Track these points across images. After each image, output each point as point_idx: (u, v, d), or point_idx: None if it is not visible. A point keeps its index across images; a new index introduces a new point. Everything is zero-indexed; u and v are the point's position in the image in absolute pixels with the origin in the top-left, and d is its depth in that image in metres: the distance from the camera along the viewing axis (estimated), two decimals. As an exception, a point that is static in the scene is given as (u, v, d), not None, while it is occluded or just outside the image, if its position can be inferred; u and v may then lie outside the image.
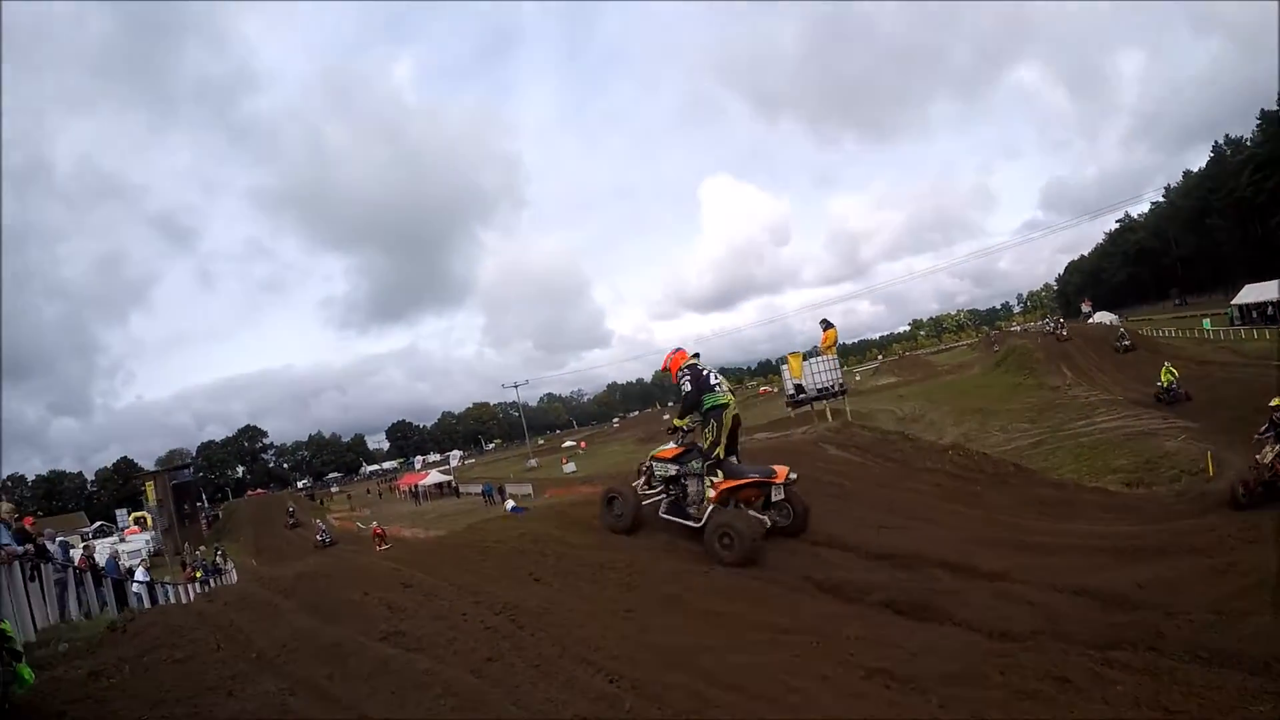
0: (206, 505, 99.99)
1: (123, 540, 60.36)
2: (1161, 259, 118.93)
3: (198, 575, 39.56)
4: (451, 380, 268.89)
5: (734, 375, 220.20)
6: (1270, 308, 68.18)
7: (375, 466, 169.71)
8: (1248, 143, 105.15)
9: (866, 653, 6.75)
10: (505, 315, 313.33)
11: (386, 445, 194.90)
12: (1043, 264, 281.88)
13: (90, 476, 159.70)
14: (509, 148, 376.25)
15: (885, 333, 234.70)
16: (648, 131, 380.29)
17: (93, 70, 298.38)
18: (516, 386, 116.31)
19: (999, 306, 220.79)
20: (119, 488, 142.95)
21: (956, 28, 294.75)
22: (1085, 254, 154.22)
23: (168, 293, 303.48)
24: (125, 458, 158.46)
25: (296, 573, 11.75)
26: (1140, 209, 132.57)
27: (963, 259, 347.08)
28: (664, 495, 12.22)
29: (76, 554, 19.89)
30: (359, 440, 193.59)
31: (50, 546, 16.04)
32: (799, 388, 26.88)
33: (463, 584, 9.39)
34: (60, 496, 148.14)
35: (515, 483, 75.52)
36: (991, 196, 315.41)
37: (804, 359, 27.07)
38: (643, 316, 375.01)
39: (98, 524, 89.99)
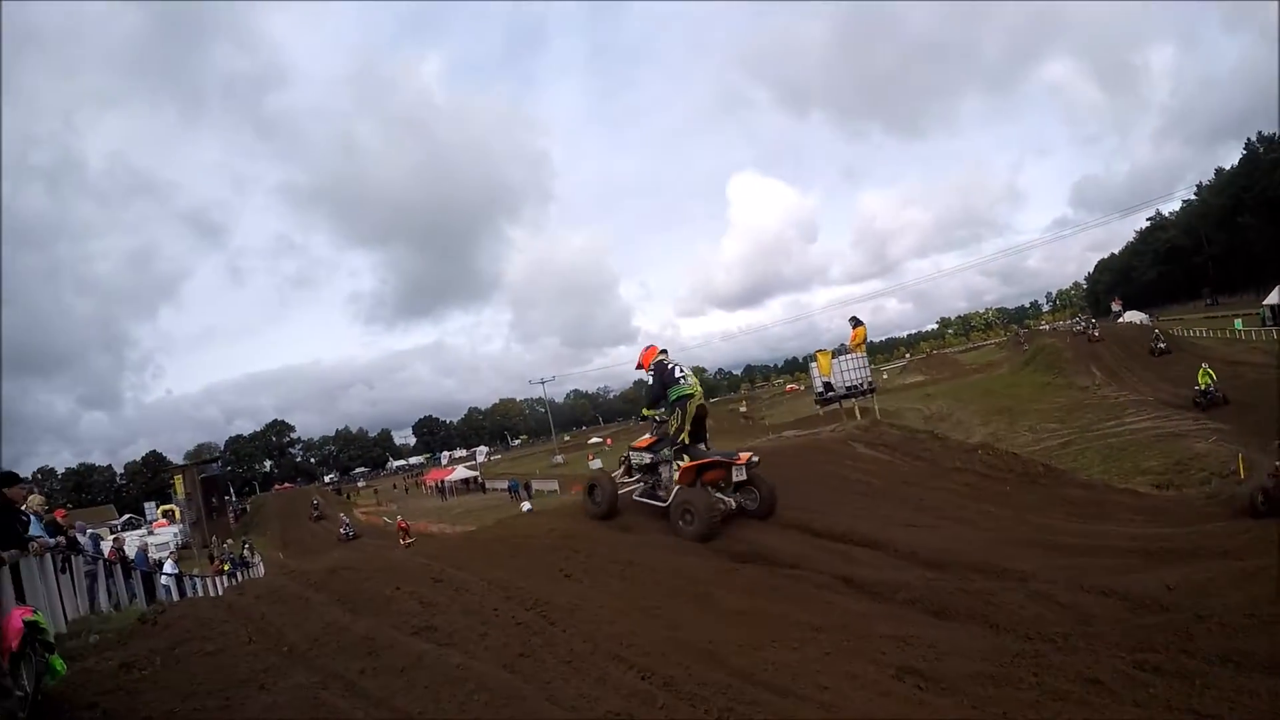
0: (234, 499, 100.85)
1: (151, 533, 60.91)
2: (1193, 258, 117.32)
3: (225, 568, 39.81)
4: (478, 376, 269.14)
5: (761, 373, 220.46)
6: (1304, 308, 67.38)
7: (402, 462, 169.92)
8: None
9: (897, 652, 6.73)
10: (532, 311, 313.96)
11: (413, 440, 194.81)
12: (1072, 262, 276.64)
13: (119, 470, 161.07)
14: (536, 144, 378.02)
15: (913, 331, 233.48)
16: (675, 127, 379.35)
17: (123, 68, 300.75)
18: (543, 382, 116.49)
19: (1028, 305, 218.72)
20: (147, 481, 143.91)
21: (986, 22, 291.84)
22: (1115, 252, 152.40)
23: (197, 288, 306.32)
24: (154, 451, 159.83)
25: (327, 567, 11.79)
26: (1171, 207, 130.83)
27: (992, 257, 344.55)
28: (641, 482, 13.42)
29: (106, 546, 20.00)
30: (386, 435, 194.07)
31: (81, 539, 16.14)
32: (828, 385, 26.77)
33: (493, 579, 9.39)
34: (89, 489, 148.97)
35: (541, 478, 75.74)
36: (1021, 194, 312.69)
37: (833, 357, 26.97)
38: (670, 313, 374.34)
39: (126, 516, 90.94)
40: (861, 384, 26.31)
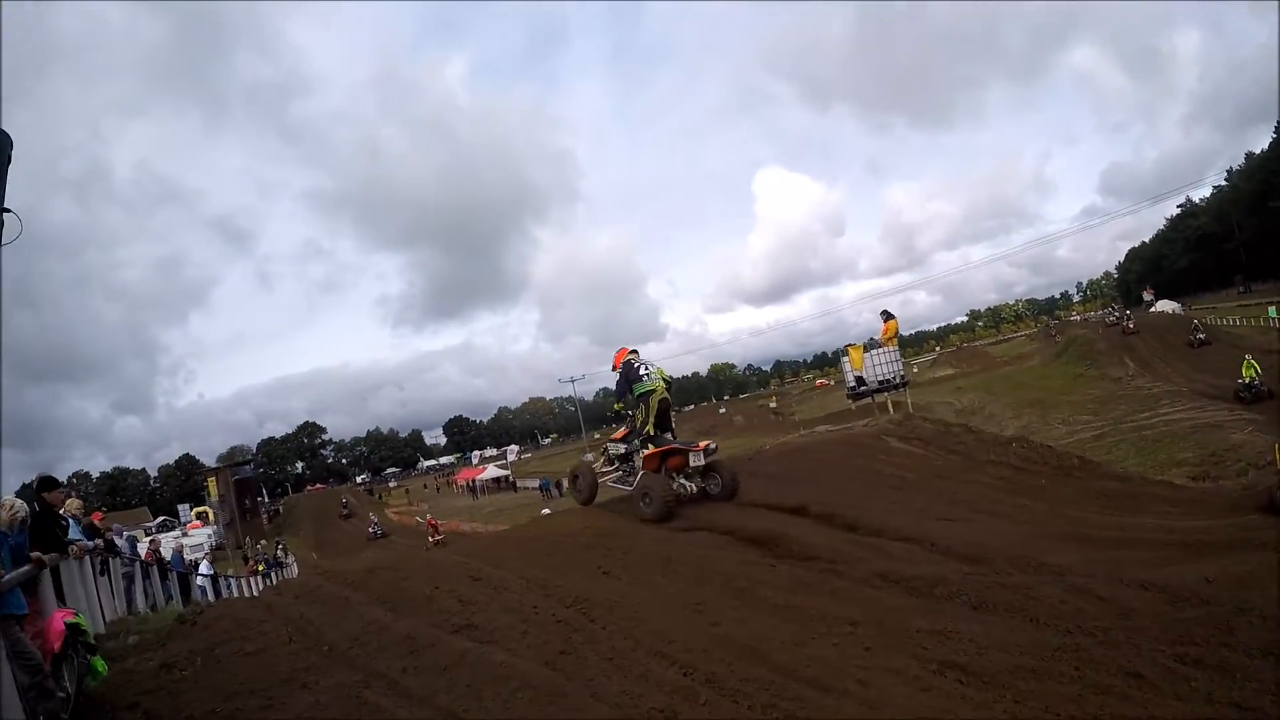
0: (267, 500, 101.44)
1: (185, 534, 61.31)
2: (1224, 244, 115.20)
3: (260, 568, 40.04)
4: (507, 376, 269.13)
5: (790, 368, 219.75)
6: (1339, 295, 66.42)
7: (432, 461, 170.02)
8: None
9: (937, 647, 6.73)
10: (560, 311, 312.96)
11: (443, 440, 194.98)
12: (1102, 251, 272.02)
13: (153, 473, 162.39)
14: (561, 143, 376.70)
15: (942, 324, 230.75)
16: (699, 123, 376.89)
17: (147, 77, 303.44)
18: (573, 381, 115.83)
19: (1058, 296, 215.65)
20: (181, 483, 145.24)
21: (1009, 9, 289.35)
22: (1146, 240, 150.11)
23: (226, 294, 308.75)
24: (187, 454, 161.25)
25: (365, 567, 11.86)
26: (1202, 193, 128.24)
27: (1021, 247, 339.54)
28: (619, 470, 14.79)
29: (143, 548, 20.12)
30: (416, 436, 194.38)
31: (118, 541, 16.24)
32: (860, 380, 26.65)
33: (531, 578, 9.46)
34: (124, 492, 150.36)
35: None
36: (1049, 183, 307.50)
37: (864, 351, 26.86)
38: (697, 310, 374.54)
39: (161, 519, 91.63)
40: (894, 378, 26.17)
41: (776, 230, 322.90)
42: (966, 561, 9.46)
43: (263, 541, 63.72)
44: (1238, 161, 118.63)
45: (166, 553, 22.49)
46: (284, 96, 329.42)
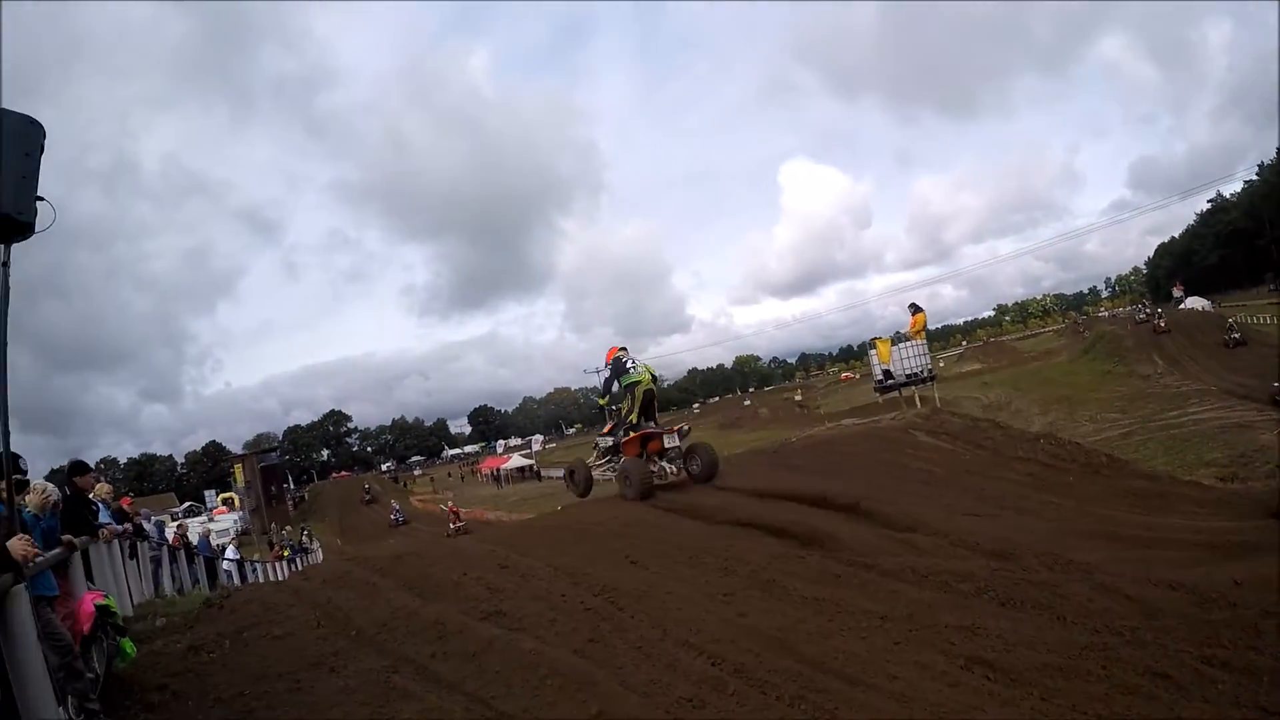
0: (292, 487, 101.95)
1: (211, 520, 61.65)
2: (1255, 241, 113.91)
3: (285, 554, 40.20)
4: (532, 366, 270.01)
5: (815, 361, 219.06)
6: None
7: (457, 450, 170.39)
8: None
9: (965, 642, 6.72)
10: (585, 301, 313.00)
11: (468, 429, 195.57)
12: (1131, 246, 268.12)
13: (180, 459, 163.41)
14: (585, 134, 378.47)
15: (969, 318, 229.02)
16: (724, 115, 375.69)
17: (174, 72, 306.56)
18: (598, 372, 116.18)
19: (1086, 291, 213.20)
20: (208, 470, 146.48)
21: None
22: (1176, 236, 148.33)
23: (253, 284, 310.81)
24: (214, 441, 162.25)
25: (393, 553, 11.92)
26: (1233, 188, 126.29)
27: (1049, 241, 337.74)
28: (609, 462, 15.70)
29: (170, 533, 20.27)
30: (441, 424, 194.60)
31: (146, 526, 16.38)
32: (887, 373, 26.57)
33: (559, 566, 9.49)
34: (151, 478, 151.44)
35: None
36: (1077, 176, 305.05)
37: (892, 344, 26.76)
38: (723, 302, 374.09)
39: (187, 504, 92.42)
40: (921, 371, 26.03)
41: (803, 222, 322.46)
42: (994, 557, 9.42)
43: (288, 527, 63.95)
44: (1269, 156, 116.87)
45: (193, 537, 22.62)
46: (309, 90, 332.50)
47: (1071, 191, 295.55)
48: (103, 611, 7.49)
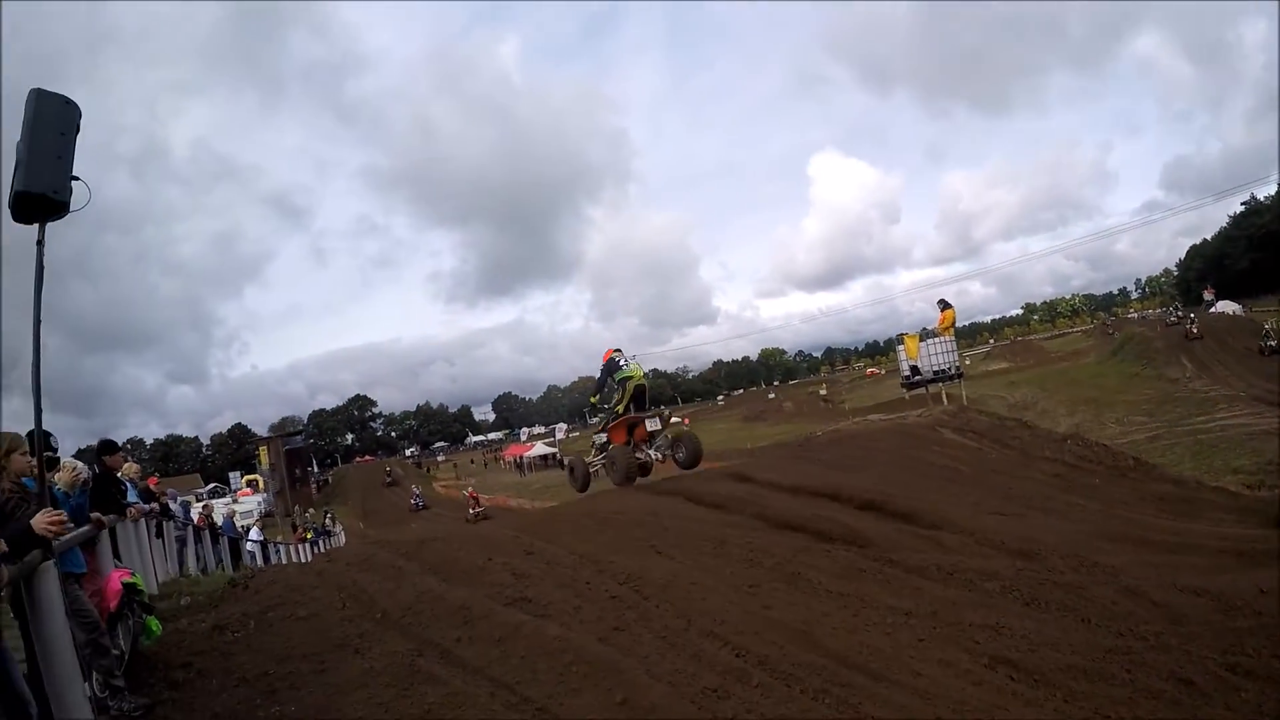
0: (316, 470, 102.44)
1: (235, 501, 62.09)
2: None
3: (308, 536, 40.46)
4: (558, 354, 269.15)
5: (841, 355, 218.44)
6: None
7: (481, 437, 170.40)
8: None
9: (989, 641, 6.74)
10: (612, 290, 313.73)
11: (492, 416, 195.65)
12: (1162, 248, 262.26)
13: (205, 441, 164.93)
14: (615, 123, 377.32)
15: (997, 316, 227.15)
16: (754, 105, 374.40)
17: (204, 58, 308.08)
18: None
19: (1115, 292, 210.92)
20: (233, 452, 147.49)
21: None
22: (1208, 238, 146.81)
23: (281, 268, 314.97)
24: (239, 424, 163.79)
25: (418, 537, 11.97)
26: (1267, 190, 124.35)
27: (1079, 240, 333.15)
28: (604, 456, 16.35)
29: (196, 513, 20.42)
30: (465, 411, 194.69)
31: (172, 505, 16.48)
32: (914, 369, 26.48)
33: (583, 553, 9.48)
34: (176, 459, 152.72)
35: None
36: (1110, 174, 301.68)
37: (920, 340, 26.67)
38: (749, 294, 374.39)
39: (211, 485, 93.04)
40: (949, 368, 25.93)
41: (831, 215, 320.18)
42: (1020, 557, 9.40)
43: (311, 510, 64.48)
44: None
45: (218, 518, 22.79)
46: (339, 76, 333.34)
47: (1103, 190, 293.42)
48: (129, 589, 7.55)
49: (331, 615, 8.13)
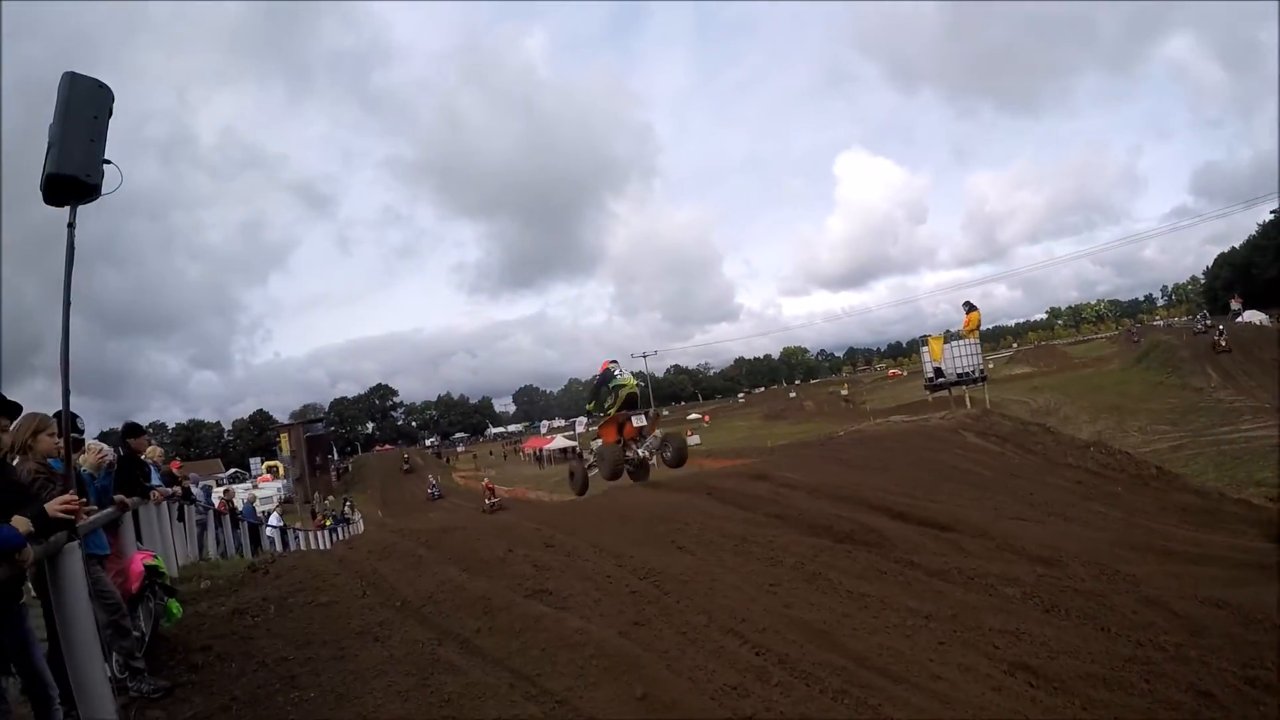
0: (336, 458, 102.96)
1: (256, 487, 62.29)
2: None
3: (327, 523, 40.59)
4: (579, 348, 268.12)
5: (863, 355, 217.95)
6: None
7: (501, 429, 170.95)
8: None
9: (1009, 646, 6.70)
10: (635, 285, 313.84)
11: (513, 408, 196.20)
12: (1190, 255, 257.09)
13: (227, 426, 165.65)
14: (640, 118, 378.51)
15: (1021, 320, 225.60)
16: (781, 102, 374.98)
17: (233, 47, 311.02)
18: (645, 357, 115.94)
19: (1141, 298, 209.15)
20: (254, 438, 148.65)
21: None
22: (1236, 246, 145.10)
23: (306, 256, 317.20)
24: (261, 410, 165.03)
25: (439, 526, 12.00)
26: None
27: (1106, 245, 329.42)
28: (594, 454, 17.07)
29: (217, 497, 20.53)
30: (486, 402, 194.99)
31: (194, 490, 16.59)
32: (938, 371, 26.38)
33: (604, 547, 9.50)
34: (198, 444, 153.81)
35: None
36: (1139, 179, 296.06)
37: (945, 342, 26.58)
38: (772, 292, 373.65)
39: (232, 471, 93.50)
40: (973, 371, 25.83)
41: (857, 215, 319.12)
42: (1040, 563, 9.36)
43: (330, 497, 64.81)
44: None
45: (239, 504, 22.89)
46: (366, 66, 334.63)
47: (1132, 195, 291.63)
48: (151, 572, 7.62)
49: (352, 602, 8.20)
